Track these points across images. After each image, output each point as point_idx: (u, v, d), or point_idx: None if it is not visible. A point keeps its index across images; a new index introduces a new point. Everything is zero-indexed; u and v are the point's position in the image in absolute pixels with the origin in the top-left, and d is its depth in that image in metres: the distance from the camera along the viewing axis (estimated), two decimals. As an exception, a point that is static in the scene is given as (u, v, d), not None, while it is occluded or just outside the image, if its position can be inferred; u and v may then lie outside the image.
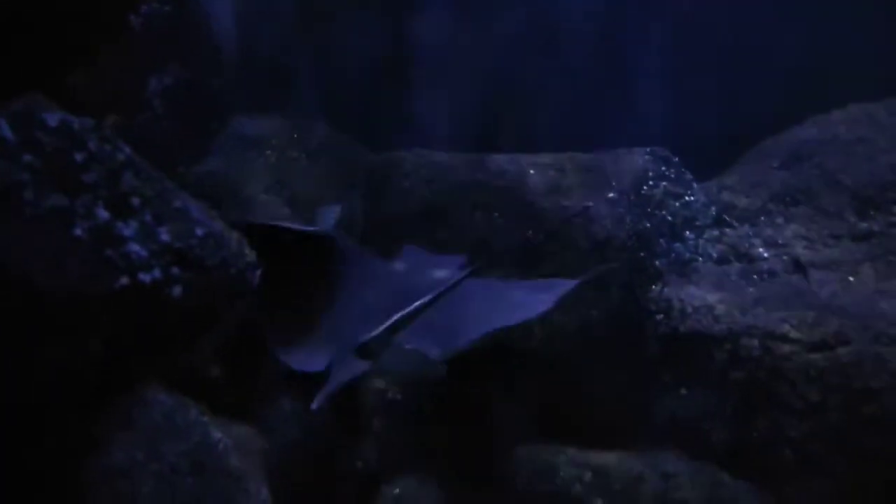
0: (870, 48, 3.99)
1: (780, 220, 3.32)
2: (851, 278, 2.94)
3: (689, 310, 3.00)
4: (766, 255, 3.19)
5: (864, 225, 3.10)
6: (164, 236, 1.99)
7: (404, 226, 3.36)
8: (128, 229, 1.94)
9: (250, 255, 2.15)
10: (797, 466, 2.64)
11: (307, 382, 2.57)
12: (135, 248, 1.93)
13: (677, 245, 3.31)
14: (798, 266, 3.09)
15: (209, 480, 1.96)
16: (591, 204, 3.06)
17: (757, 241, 3.27)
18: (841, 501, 2.60)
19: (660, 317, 3.06)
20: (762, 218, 3.36)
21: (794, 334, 2.73)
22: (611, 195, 3.27)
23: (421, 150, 3.61)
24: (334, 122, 3.85)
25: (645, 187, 3.35)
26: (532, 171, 3.44)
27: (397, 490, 2.88)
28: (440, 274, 2.98)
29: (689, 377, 2.91)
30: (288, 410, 2.72)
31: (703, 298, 3.00)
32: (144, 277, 1.92)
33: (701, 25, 4.20)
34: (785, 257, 3.15)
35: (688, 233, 3.36)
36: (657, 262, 3.21)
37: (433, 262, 3.10)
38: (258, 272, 2.18)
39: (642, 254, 3.19)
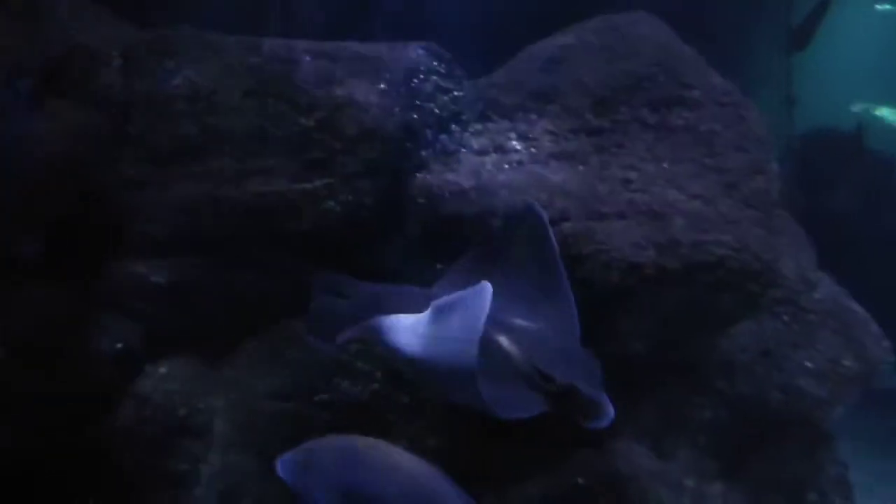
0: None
1: (533, 117, 3.69)
2: (581, 167, 3.42)
3: (447, 195, 3.31)
4: (518, 147, 3.57)
5: (596, 122, 3.57)
6: None
7: (169, 108, 3.24)
8: None
9: None
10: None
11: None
12: None
13: (443, 137, 3.57)
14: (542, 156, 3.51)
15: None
16: None
17: (512, 135, 3.62)
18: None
19: (421, 201, 3.34)
20: (520, 114, 3.71)
21: (528, 213, 3.15)
22: (382, 86, 3.41)
23: (190, 28, 3.43)
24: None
25: (416, 80, 3.52)
26: (307, 58, 3.46)
27: (164, 370, 2.96)
28: None
29: (444, 254, 3.25)
30: (39, 296, 2.63)
31: (458, 185, 3.32)
32: None
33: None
34: (532, 149, 3.55)
35: (454, 126, 3.62)
36: (423, 153, 3.46)
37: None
38: None
39: (409, 144, 3.41)
